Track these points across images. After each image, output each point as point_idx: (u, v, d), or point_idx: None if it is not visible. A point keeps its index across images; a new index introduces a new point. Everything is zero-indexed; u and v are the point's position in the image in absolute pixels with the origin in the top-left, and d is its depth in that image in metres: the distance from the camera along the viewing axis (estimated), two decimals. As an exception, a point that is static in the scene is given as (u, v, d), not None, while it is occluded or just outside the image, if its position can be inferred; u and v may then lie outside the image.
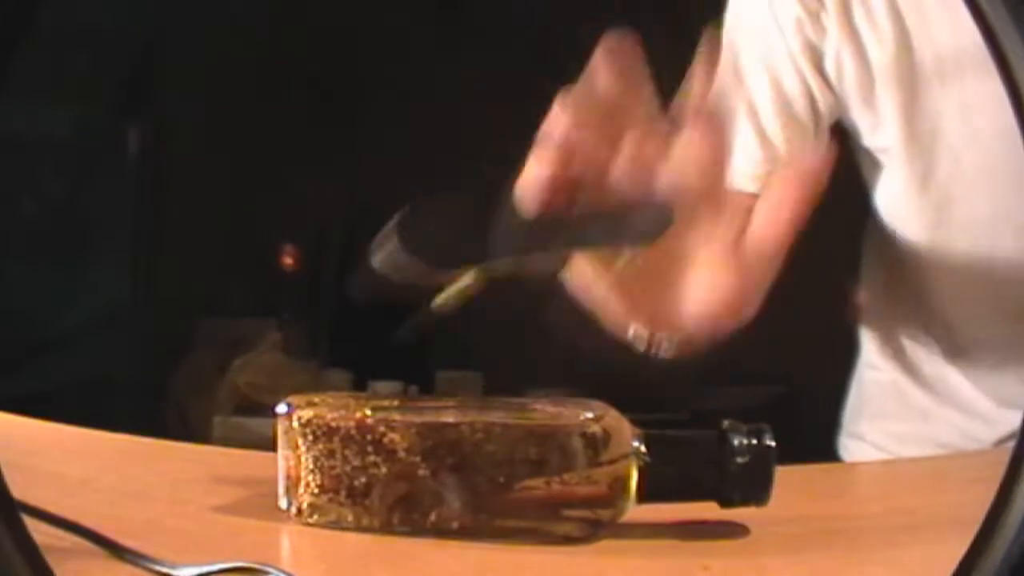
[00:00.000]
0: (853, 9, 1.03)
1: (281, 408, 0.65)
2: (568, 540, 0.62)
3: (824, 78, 1.06)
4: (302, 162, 1.11)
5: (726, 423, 0.64)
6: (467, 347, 1.89)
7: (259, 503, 0.67)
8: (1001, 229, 1.03)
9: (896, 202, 1.09)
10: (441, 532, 0.62)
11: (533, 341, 1.88)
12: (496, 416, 0.62)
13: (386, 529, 0.63)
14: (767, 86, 1.07)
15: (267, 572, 0.56)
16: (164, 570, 0.57)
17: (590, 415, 0.62)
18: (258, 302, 1.09)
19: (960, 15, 1.08)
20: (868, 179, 1.10)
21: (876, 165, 1.08)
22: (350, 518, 0.64)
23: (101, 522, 0.60)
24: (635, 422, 0.63)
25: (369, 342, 1.11)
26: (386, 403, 0.65)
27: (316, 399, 0.66)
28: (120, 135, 1.61)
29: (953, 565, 0.44)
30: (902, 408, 1.11)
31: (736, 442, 0.62)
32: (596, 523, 0.62)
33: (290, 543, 0.64)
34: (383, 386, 1.81)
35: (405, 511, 0.63)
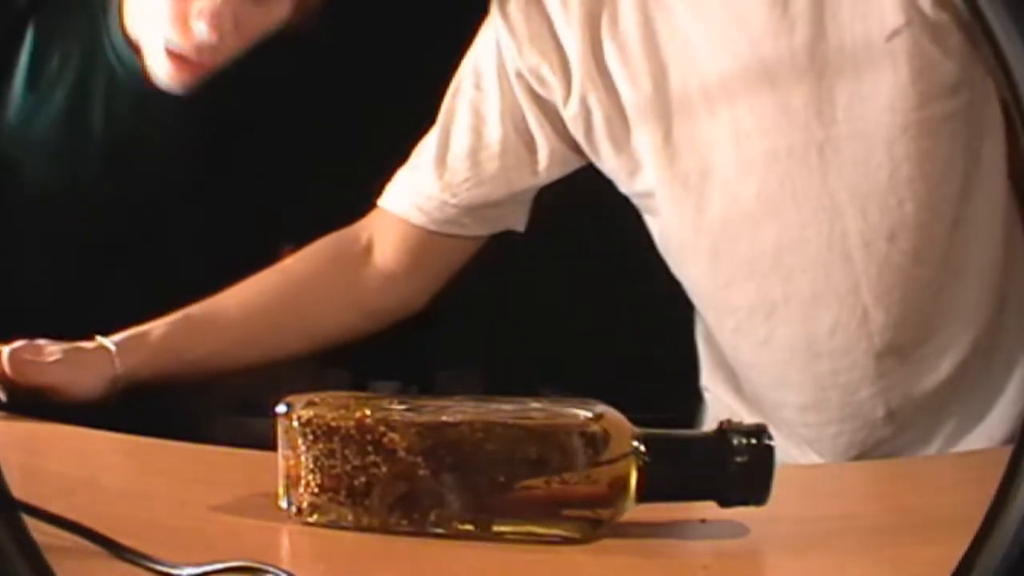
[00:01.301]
0: (604, 50, 0.99)
1: (281, 408, 0.65)
2: (568, 540, 0.62)
3: (554, 129, 1.03)
4: (303, 162, 1.12)
5: (726, 423, 0.64)
6: (467, 347, 1.90)
7: (259, 503, 0.67)
8: (793, 263, 0.96)
9: (670, 245, 1.04)
10: (441, 532, 0.62)
11: (534, 341, 1.88)
12: (496, 416, 0.62)
13: (386, 529, 0.63)
14: (466, 130, 1.05)
15: (267, 572, 0.56)
16: (164, 570, 0.57)
17: (590, 415, 0.62)
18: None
19: (730, 38, 1.07)
20: (649, 226, 1.06)
21: (645, 211, 1.05)
22: (350, 518, 0.64)
23: (101, 522, 0.60)
24: (635, 422, 0.63)
25: (368, 342, 1.11)
26: (386, 403, 0.65)
27: (316, 399, 0.66)
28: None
29: (953, 565, 0.44)
30: None
31: (736, 442, 0.62)
32: (596, 523, 0.62)
33: (290, 543, 0.64)
34: (383, 386, 1.81)
35: (405, 511, 0.63)
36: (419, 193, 1.07)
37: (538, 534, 0.62)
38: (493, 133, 1.04)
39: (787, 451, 1.01)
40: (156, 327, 1.03)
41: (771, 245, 0.97)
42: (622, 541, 0.62)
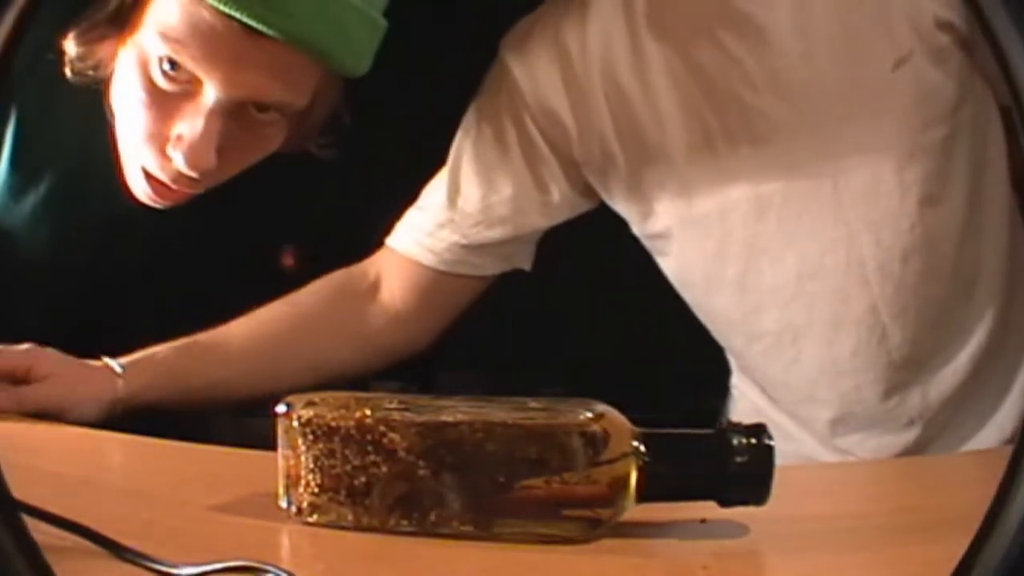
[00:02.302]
0: (622, 94, 1.00)
1: (281, 408, 0.65)
2: (568, 540, 0.62)
3: (564, 172, 1.04)
4: (302, 162, 1.11)
5: (726, 423, 0.64)
6: (468, 347, 1.89)
7: (259, 503, 0.67)
8: (814, 290, 0.99)
9: (694, 280, 1.05)
10: (441, 532, 0.62)
11: (533, 341, 1.88)
12: (496, 416, 0.62)
13: (386, 529, 0.63)
14: (476, 174, 1.06)
15: (267, 572, 0.56)
16: (164, 570, 0.57)
17: (590, 415, 0.62)
18: (258, 302, 1.09)
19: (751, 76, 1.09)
20: (657, 259, 1.07)
21: (659, 252, 1.06)
22: (350, 518, 0.64)
23: (101, 522, 0.60)
24: (635, 422, 0.63)
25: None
26: (386, 403, 0.65)
27: (316, 399, 0.66)
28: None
29: (953, 565, 0.44)
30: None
31: (736, 442, 0.62)
32: (596, 523, 0.62)
33: (290, 543, 0.64)
34: (383, 386, 1.81)
35: (405, 511, 0.63)
36: (429, 234, 1.07)
37: (538, 534, 0.62)
38: (504, 178, 1.05)
39: (815, 449, 1.05)
40: (161, 351, 1.01)
41: (793, 274, 0.99)
42: (622, 541, 0.62)
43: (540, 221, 1.07)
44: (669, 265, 1.06)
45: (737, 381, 1.14)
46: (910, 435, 1.01)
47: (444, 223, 1.06)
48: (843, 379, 1.00)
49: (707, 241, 1.01)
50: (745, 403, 1.12)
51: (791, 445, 1.04)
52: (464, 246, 1.07)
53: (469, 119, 1.07)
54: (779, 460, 0.62)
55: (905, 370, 0.99)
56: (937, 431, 1.01)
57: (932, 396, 1.00)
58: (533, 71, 1.03)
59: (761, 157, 0.97)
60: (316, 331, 1.09)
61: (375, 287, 1.11)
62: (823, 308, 0.99)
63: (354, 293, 1.11)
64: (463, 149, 1.07)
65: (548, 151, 1.04)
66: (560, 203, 1.06)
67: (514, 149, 1.04)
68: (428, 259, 1.08)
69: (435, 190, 1.08)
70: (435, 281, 1.09)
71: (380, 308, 1.10)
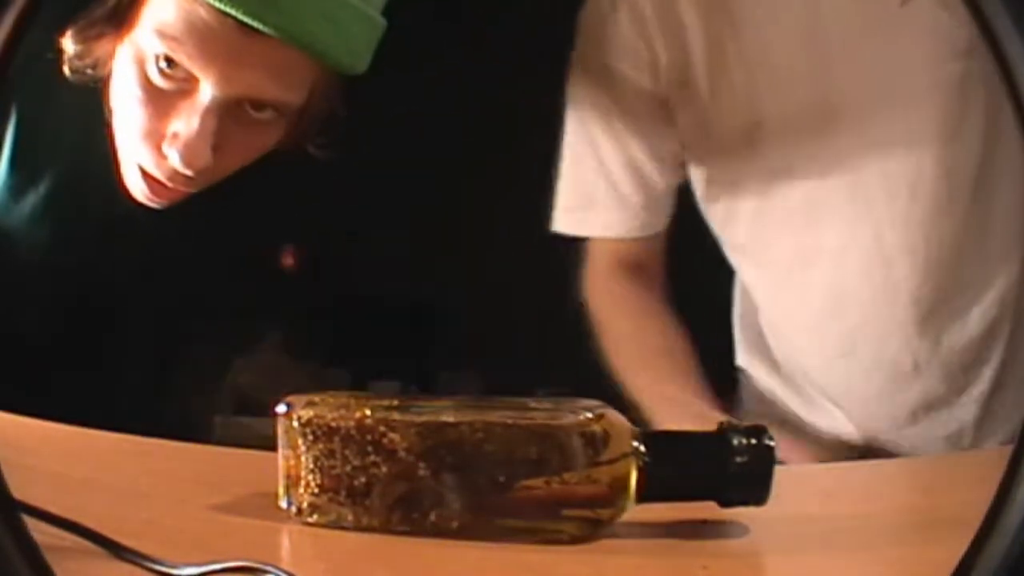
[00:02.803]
0: (672, 26, 1.05)
1: (281, 408, 0.65)
2: (568, 540, 0.62)
3: (652, 117, 1.10)
4: (302, 161, 1.11)
5: (726, 423, 0.64)
6: (468, 347, 1.89)
7: (259, 503, 0.67)
8: (822, 217, 1.02)
9: (715, 211, 1.10)
10: (441, 532, 0.62)
11: (533, 341, 1.88)
12: (496, 416, 0.62)
13: (386, 529, 0.63)
14: (615, 149, 1.10)
15: (267, 572, 0.56)
16: (164, 570, 0.57)
17: (590, 415, 0.62)
18: (258, 302, 1.09)
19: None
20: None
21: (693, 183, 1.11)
22: (350, 518, 0.64)
23: (101, 522, 0.60)
24: (635, 422, 0.63)
25: (369, 342, 1.12)
26: (386, 403, 0.65)
27: (316, 399, 0.66)
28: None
29: (953, 565, 0.44)
30: (773, 408, 1.11)
31: (736, 442, 0.62)
32: (596, 523, 0.62)
33: (290, 543, 0.64)
34: (383, 386, 1.81)
35: (405, 511, 0.63)
36: (619, 217, 1.12)
37: (538, 534, 0.62)
38: (629, 136, 1.09)
39: (816, 425, 1.07)
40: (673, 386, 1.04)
41: (802, 200, 1.02)
42: (622, 541, 0.63)
43: (659, 176, 1.11)
44: (697, 193, 1.11)
45: (743, 361, 1.16)
46: (915, 385, 1.02)
47: (610, 196, 1.11)
48: (849, 312, 1.02)
49: (725, 172, 1.06)
50: (752, 388, 1.13)
51: (792, 419, 1.05)
52: (643, 209, 1.12)
53: (573, 93, 1.11)
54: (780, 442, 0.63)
55: (912, 308, 1.00)
56: (947, 389, 1.02)
57: (942, 345, 1.02)
58: (606, 26, 1.08)
59: (773, 86, 1.00)
60: (662, 327, 1.13)
61: (623, 267, 1.15)
62: (830, 235, 1.02)
63: (632, 277, 1.15)
64: (593, 133, 1.10)
65: (644, 108, 1.08)
66: (662, 142, 1.10)
67: (621, 105, 1.09)
68: (622, 232, 1.13)
69: (582, 173, 1.12)
70: (640, 248, 1.14)
71: (642, 281, 1.15)
